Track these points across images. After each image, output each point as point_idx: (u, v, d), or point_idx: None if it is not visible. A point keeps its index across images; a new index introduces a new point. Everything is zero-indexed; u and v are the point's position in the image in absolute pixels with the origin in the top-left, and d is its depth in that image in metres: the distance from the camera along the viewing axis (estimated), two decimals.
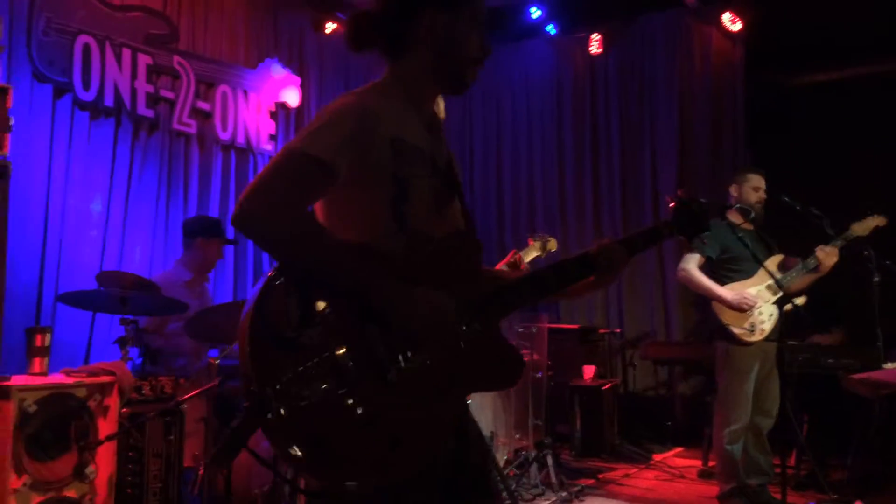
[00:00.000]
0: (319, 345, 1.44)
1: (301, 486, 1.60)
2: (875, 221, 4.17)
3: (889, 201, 5.57)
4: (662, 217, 6.88)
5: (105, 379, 3.07)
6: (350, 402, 1.43)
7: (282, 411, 1.36)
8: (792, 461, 5.00)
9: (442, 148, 1.78)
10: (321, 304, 1.48)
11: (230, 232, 4.65)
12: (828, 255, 4.17)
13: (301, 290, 1.47)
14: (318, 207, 1.66)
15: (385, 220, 1.60)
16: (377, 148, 1.59)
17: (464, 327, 1.61)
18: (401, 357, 1.51)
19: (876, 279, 4.01)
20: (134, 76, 5.24)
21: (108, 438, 2.98)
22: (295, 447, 1.38)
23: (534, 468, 4.84)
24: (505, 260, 4.04)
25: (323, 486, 1.47)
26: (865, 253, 4.11)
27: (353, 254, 1.54)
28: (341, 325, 1.48)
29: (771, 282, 4.07)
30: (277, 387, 1.37)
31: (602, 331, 6.77)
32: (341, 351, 1.46)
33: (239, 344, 1.44)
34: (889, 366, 3.83)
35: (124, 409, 3.17)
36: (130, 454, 3.20)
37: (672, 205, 1.96)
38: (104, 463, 3.04)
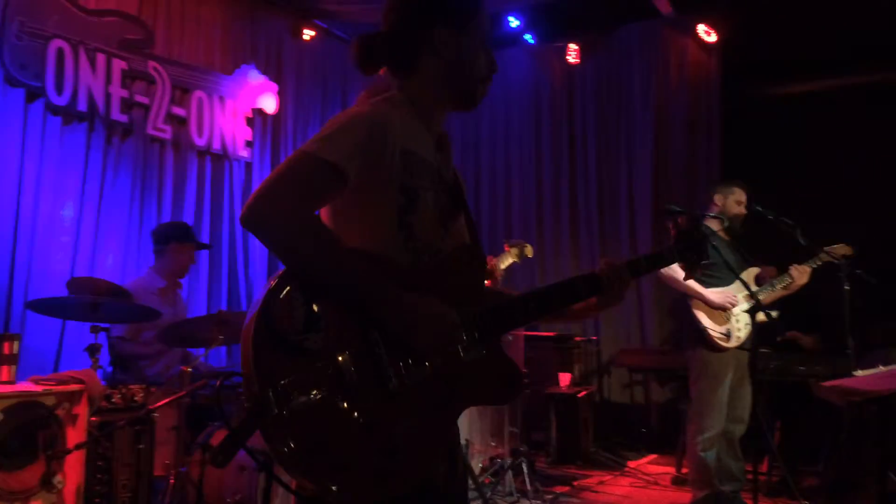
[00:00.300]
0: (322, 350, 1.45)
1: (293, 488, 1.57)
2: (844, 250, 4.30)
3: (861, 210, 5.69)
4: (636, 222, 6.96)
5: (74, 387, 3.03)
6: (350, 407, 1.44)
7: (282, 413, 1.37)
8: (764, 468, 5.05)
9: (449, 165, 1.81)
10: (326, 310, 1.48)
11: (202, 237, 4.62)
12: (801, 274, 4.31)
13: (306, 296, 1.48)
14: (326, 214, 1.67)
15: (391, 229, 1.62)
16: (387, 157, 1.60)
17: (465, 339, 1.60)
18: (402, 366, 1.51)
19: (847, 287, 4.07)
20: (108, 81, 5.19)
21: (77, 447, 2.95)
22: (292, 449, 1.38)
23: (509, 475, 4.84)
24: None
25: (317, 490, 1.44)
26: (837, 262, 4.17)
27: (357, 259, 1.55)
28: (345, 331, 1.49)
29: (746, 292, 4.13)
30: (278, 388, 1.38)
31: (578, 338, 6.80)
32: (344, 357, 1.46)
33: (242, 346, 1.45)
34: (860, 373, 3.87)
35: (93, 418, 3.12)
36: (99, 463, 3.15)
37: (674, 232, 1.97)
38: (72, 472, 3.00)
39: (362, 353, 1.48)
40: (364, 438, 1.44)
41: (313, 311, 1.47)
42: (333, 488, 1.41)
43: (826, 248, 4.31)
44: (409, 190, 1.63)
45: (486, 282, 1.78)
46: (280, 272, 1.50)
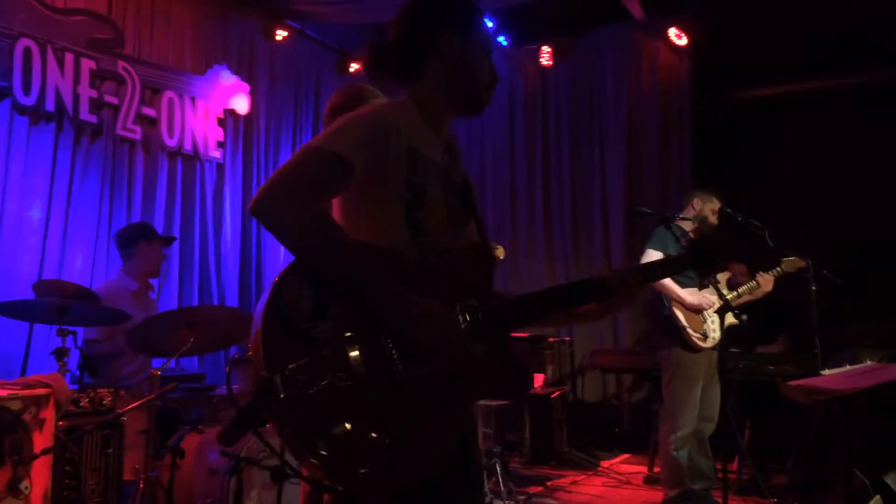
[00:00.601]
0: (331, 337, 1.48)
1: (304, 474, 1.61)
2: (799, 264, 4.39)
3: (829, 211, 5.78)
4: (610, 224, 7.00)
5: (41, 391, 2.97)
6: (356, 395, 1.46)
7: (289, 396, 1.40)
8: (734, 466, 5.11)
9: (458, 168, 1.85)
10: (334, 299, 1.51)
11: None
12: (766, 282, 4.43)
13: (316, 285, 1.51)
14: (336, 211, 1.71)
15: (399, 224, 1.65)
16: (393, 152, 1.64)
17: (466, 338, 1.62)
18: (408, 358, 1.53)
19: (814, 288, 4.13)
20: (77, 81, 5.12)
21: (44, 452, 2.90)
22: (299, 431, 1.41)
23: (483, 476, 4.84)
24: None
25: (326, 473, 1.45)
26: (804, 263, 4.24)
27: (363, 253, 1.57)
28: (353, 321, 1.51)
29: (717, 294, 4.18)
30: (286, 373, 1.40)
31: (551, 339, 6.82)
32: (351, 345, 1.49)
33: (253, 332, 1.48)
34: (827, 372, 3.94)
35: (61, 422, 3.08)
36: (67, 468, 3.11)
37: (688, 244, 2.01)
38: (39, 477, 2.95)
39: (369, 343, 1.51)
40: (371, 426, 1.46)
41: (322, 299, 1.50)
42: (337, 474, 1.44)
43: (783, 262, 4.43)
44: (415, 186, 1.66)
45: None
46: (291, 262, 1.54)
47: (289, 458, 1.59)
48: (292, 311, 1.47)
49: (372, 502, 1.55)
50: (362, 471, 1.44)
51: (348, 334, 1.50)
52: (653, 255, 4.44)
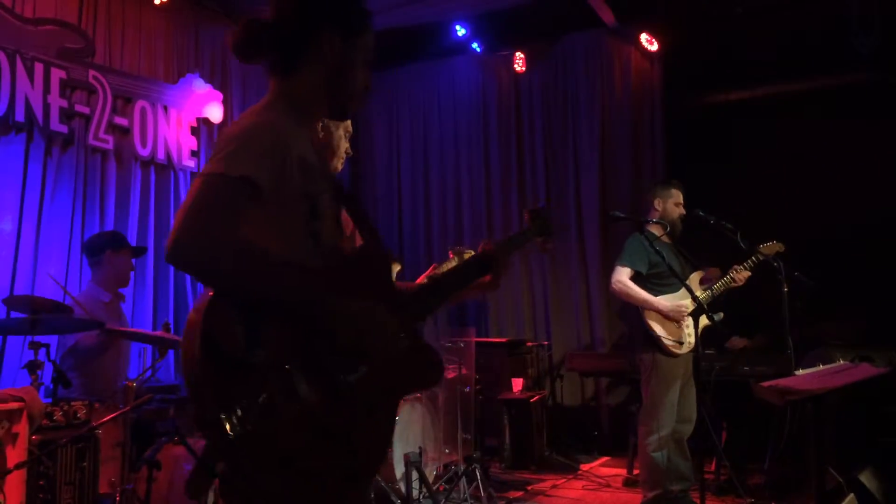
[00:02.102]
0: (269, 363, 1.44)
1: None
2: (776, 248, 4.50)
3: (799, 213, 5.86)
4: (584, 228, 7.05)
5: (13, 405, 2.94)
6: (310, 417, 1.45)
7: (243, 434, 1.36)
8: (711, 467, 5.16)
9: (328, 164, 1.87)
10: (264, 323, 1.46)
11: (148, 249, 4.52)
12: (739, 274, 4.50)
13: (244, 312, 1.45)
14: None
15: (302, 237, 1.62)
16: (289, 165, 1.59)
17: (399, 330, 1.65)
18: (347, 368, 1.54)
19: (785, 289, 4.19)
20: (47, 91, 5.06)
21: (17, 467, 2.86)
22: (262, 467, 1.40)
23: (463, 482, 4.84)
24: (425, 274, 4.06)
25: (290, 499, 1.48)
26: (775, 264, 4.29)
27: (296, 273, 1.54)
28: (289, 343, 1.48)
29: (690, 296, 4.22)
30: (234, 410, 1.36)
31: (530, 343, 6.85)
32: (291, 367, 1.45)
33: (187, 371, 1.44)
34: (800, 372, 3.99)
35: (34, 436, 3.04)
36: (41, 483, 3.07)
37: (528, 216, 2.33)
38: (13, 492, 2.91)
39: (309, 361, 1.49)
40: (325, 444, 1.47)
41: (254, 326, 1.45)
42: (311, 494, 1.47)
43: (759, 247, 4.47)
44: (310, 196, 1.63)
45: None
46: (210, 295, 1.47)
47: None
48: (227, 344, 1.42)
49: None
50: (329, 484, 1.47)
51: (286, 356, 1.46)
52: (622, 272, 4.50)
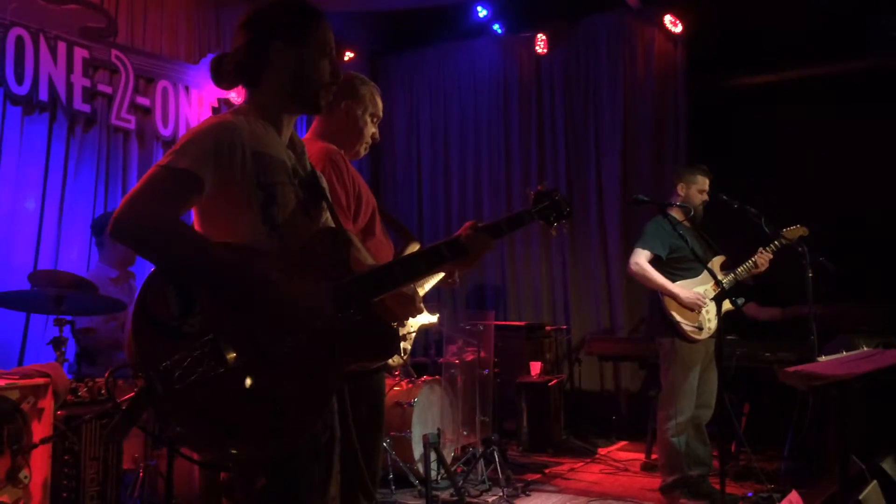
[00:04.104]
0: (201, 331, 1.60)
1: (195, 457, 1.83)
2: (800, 231, 4.43)
3: (826, 199, 5.78)
4: (605, 211, 7.00)
5: (39, 381, 2.97)
6: (234, 379, 1.60)
7: (167, 392, 1.52)
8: (731, 452, 5.13)
9: (304, 162, 1.99)
10: (200, 295, 1.65)
11: None
12: (763, 257, 4.42)
13: (179, 285, 1.64)
14: (197, 221, 1.83)
15: (257, 224, 1.78)
16: (240, 159, 1.77)
17: (335, 308, 1.77)
18: (278, 337, 1.67)
19: (810, 274, 4.14)
20: (70, 70, 5.09)
21: (43, 441, 2.89)
22: (184, 424, 1.57)
23: (481, 464, 4.86)
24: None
25: (218, 457, 1.69)
26: (800, 249, 4.24)
27: (225, 251, 1.71)
28: (220, 312, 1.65)
29: (713, 281, 4.18)
30: (161, 370, 1.52)
31: (548, 328, 6.84)
32: (222, 335, 1.61)
33: (126, 335, 1.62)
34: (823, 359, 3.95)
35: (59, 412, 3.08)
36: (66, 458, 3.11)
37: (533, 195, 2.19)
38: (38, 467, 2.95)
39: (238, 329, 1.64)
40: (252, 404, 1.62)
41: (188, 297, 1.64)
42: (232, 451, 1.63)
43: (783, 231, 4.41)
44: (266, 186, 1.80)
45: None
46: (154, 269, 1.67)
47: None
48: (161, 312, 1.61)
49: (259, 470, 1.71)
50: (252, 443, 1.61)
51: (219, 325, 1.62)
52: (641, 255, 4.46)
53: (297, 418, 1.66)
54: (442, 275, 2.69)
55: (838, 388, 3.08)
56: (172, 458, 3.19)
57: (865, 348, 3.88)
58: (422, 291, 2.80)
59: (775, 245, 4.42)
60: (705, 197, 4.59)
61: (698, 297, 4.37)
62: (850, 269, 4.41)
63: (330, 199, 2.04)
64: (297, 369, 1.68)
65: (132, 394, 1.55)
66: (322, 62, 1.93)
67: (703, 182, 4.60)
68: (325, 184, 2.06)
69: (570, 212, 2.21)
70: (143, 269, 5.45)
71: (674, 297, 4.37)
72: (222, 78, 1.95)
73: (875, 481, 3.19)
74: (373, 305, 1.87)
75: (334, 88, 1.98)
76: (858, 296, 5.34)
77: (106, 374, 2.17)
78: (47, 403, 2.98)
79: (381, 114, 2.91)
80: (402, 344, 2.95)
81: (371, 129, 2.87)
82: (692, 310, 4.37)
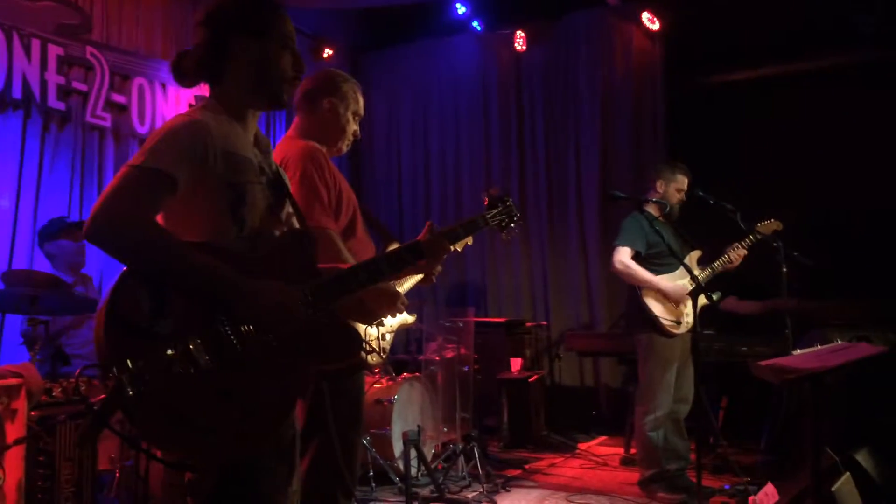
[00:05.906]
0: (172, 332, 1.60)
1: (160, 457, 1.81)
2: (774, 226, 4.48)
3: (801, 194, 5.84)
4: (584, 208, 7.03)
5: (12, 381, 2.94)
6: (203, 380, 1.60)
7: (137, 393, 1.51)
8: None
9: (269, 160, 1.98)
10: (171, 296, 1.64)
11: None
12: (737, 253, 4.47)
13: (152, 286, 1.63)
14: (164, 220, 1.80)
15: (226, 224, 1.78)
16: (211, 158, 1.76)
17: (303, 311, 1.78)
18: (247, 338, 1.68)
19: (784, 269, 4.19)
20: (44, 67, 5.03)
21: (16, 443, 2.87)
22: (152, 424, 1.56)
23: (461, 461, 4.87)
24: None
25: (186, 456, 1.69)
26: (775, 245, 4.29)
27: (199, 254, 1.69)
28: (190, 314, 1.64)
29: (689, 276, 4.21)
30: (132, 371, 1.52)
31: (528, 324, 6.86)
32: (193, 336, 1.61)
33: (95, 336, 1.60)
34: (798, 352, 4.00)
35: (33, 413, 3.05)
36: (40, 459, 3.08)
37: (486, 199, 2.24)
38: (12, 468, 2.92)
39: (209, 330, 1.64)
40: (221, 405, 1.62)
41: (159, 298, 1.63)
42: (202, 450, 1.63)
43: (757, 226, 4.45)
44: (236, 186, 1.80)
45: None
46: (124, 269, 1.66)
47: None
48: (132, 313, 1.59)
49: (225, 469, 1.72)
50: (219, 443, 1.62)
51: (189, 326, 1.62)
52: (623, 253, 4.48)
53: (266, 417, 1.68)
54: (420, 276, 2.70)
55: (811, 382, 3.11)
56: (148, 460, 3.18)
57: (839, 342, 3.93)
58: (401, 290, 2.80)
59: (749, 240, 4.46)
60: (682, 196, 4.62)
61: (682, 287, 4.40)
62: (826, 264, 4.46)
63: (294, 198, 2.04)
64: (267, 370, 1.69)
65: (104, 395, 1.54)
66: (284, 55, 1.91)
67: (683, 181, 4.63)
68: (288, 182, 2.06)
69: (519, 218, 2.28)
70: (95, 269, 5.43)
71: (660, 289, 4.40)
72: (184, 76, 1.93)
73: (848, 473, 3.23)
74: (337, 307, 1.89)
75: (297, 83, 1.97)
76: (835, 290, 5.40)
77: (76, 373, 2.13)
78: (21, 404, 2.95)
79: (362, 111, 2.91)
80: (382, 343, 2.96)
81: (353, 127, 2.87)
82: (678, 303, 4.40)
